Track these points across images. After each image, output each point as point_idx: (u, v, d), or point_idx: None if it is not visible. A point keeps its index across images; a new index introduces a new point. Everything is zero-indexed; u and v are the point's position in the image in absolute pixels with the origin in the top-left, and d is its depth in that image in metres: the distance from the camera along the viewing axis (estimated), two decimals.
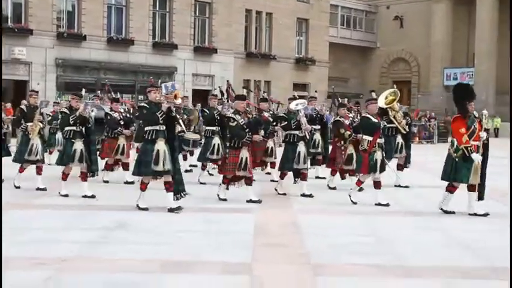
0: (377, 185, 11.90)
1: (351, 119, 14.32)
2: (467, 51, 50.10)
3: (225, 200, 12.00)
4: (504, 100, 44.31)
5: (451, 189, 11.01)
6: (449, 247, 8.50)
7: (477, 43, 46.76)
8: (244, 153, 11.74)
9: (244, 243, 8.48)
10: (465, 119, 10.76)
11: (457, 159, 10.72)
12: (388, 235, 9.27)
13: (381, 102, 13.58)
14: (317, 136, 14.92)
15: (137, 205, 10.83)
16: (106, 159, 14.84)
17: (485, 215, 10.76)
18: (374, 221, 10.41)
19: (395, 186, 14.53)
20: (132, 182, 13.79)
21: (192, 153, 17.37)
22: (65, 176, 12.24)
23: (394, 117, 14.12)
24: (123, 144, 14.63)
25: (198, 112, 17.93)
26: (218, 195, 12.13)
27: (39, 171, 13.18)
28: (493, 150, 12.16)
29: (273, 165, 15.41)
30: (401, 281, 6.84)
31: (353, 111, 15.32)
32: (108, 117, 14.78)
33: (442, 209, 11.08)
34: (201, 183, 14.47)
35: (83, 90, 14.10)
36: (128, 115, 15.32)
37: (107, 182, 14.43)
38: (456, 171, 10.77)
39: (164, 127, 10.67)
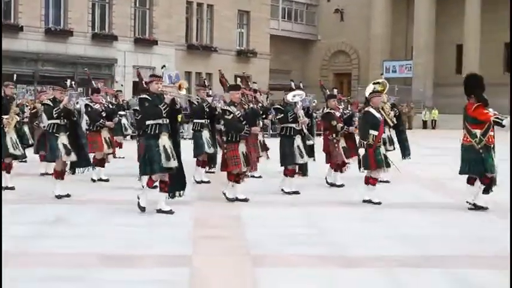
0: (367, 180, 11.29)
1: (341, 110, 13.68)
2: (405, 45, 50.96)
3: (233, 199, 11.15)
4: (441, 92, 45.25)
5: (483, 180, 10.50)
6: (389, 237, 8.61)
7: (415, 37, 47.56)
8: (242, 147, 11.00)
9: (184, 236, 8.44)
10: (486, 107, 10.43)
11: (481, 151, 10.36)
12: (330, 226, 9.33)
13: (368, 94, 13.32)
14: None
15: (138, 203, 9.99)
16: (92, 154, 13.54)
17: (486, 208, 10.51)
18: (316, 212, 10.47)
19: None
20: (107, 180, 13.48)
21: None
22: (56, 174, 11.29)
23: (382, 108, 13.13)
24: (108, 137, 13.92)
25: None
26: (225, 195, 11.24)
27: (9, 169, 12.26)
28: (431, 141, 12.42)
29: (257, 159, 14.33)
30: (341, 271, 6.91)
31: (343, 102, 14.73)
32: (89, 109, 13.75)
33: (475, 204, 10.56)
34: (197, 182, 13.35)
35: (68, 80, 12.85)
36: (110, 106, 14.57)
37: (94, 180, 13.48)
38: (483, 163, 10.37)
39: (167, 120, 9.86)
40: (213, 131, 13.66)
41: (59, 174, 11.27)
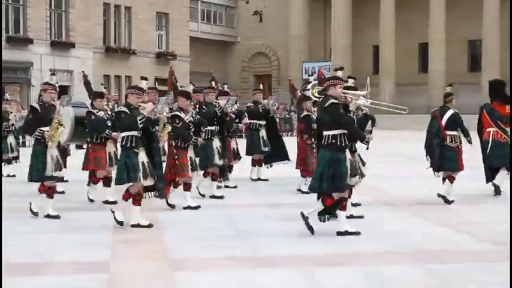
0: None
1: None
2: (324, 46, 51.64)
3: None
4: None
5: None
6: (307, 237, 8.71)
7: (333, 37, 48.23)
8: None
9: (102, 241, 8.34)
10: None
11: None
12: (248, 227, 9.38)
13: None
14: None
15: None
16: (94, 171, 11.70)
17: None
18: (235, 214, 10.51)
19: None
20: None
21: None
22: (127, 195, 9.34)
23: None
24: (114, 152, 11.69)
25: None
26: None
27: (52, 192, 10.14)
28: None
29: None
30: (257, 271, 6.96)
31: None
32: (93, 117, 11.22)
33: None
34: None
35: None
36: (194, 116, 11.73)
37: (92, 201, 11.65)
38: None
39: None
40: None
41: (136, 200, 9.38)
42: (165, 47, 44.32)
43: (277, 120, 25.84)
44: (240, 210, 10.98)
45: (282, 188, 13.46)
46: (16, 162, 15.23)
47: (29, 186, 10.79)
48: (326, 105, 8.46)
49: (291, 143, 15.67)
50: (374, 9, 46.00)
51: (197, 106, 12.44)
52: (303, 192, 12.21)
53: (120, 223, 9.21)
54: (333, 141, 8.44)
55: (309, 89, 13.63)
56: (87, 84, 15.46)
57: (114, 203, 10.73)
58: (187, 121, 10.76)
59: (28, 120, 10.18)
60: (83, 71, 16.35)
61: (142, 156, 9.20)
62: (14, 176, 14.94)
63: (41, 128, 9.67)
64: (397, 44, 45.66)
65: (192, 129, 10.87)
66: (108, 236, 8.68)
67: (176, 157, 10.78)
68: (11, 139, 14.82)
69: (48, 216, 9.90)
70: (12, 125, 13.05)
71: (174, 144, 10.96)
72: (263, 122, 14.27)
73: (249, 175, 14.74)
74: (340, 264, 7.30)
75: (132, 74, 41.21)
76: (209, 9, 52.80)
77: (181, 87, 13.60)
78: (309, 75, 21.37)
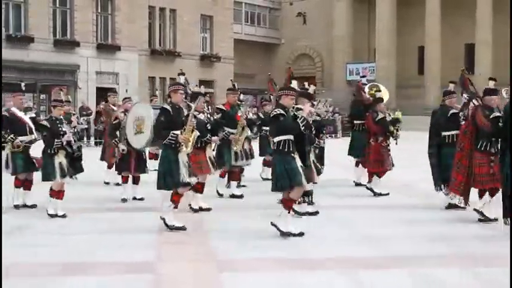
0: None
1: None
2: (368, 47, 51.31)
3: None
4: (404, 94, 45.59)
5: None
6: (352, 240, 8.66)
7: (377, 39, 47.90)
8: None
9: (147, 242, 8.40)
10: None
11: None
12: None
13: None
14: None
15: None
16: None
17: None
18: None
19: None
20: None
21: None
22: (288, 203, 8.83)
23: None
24: (213, 156, 11.52)
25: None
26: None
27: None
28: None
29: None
30: (303, 273, 6.93)
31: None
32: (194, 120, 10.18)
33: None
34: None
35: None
36: (210, 117, 11.52)
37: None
38: None
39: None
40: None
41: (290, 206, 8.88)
42: (209, 49, 44.51)
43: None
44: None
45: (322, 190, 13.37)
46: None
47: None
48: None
49: (332, 145, 15.53)
50: (419, 10, 45.57)
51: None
52: (380, 194, 12.39)
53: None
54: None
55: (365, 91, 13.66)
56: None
57: (207, 209, 10.78)
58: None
59: (161, 123, 9.19)
60: (269, 74, 16.03)
61: (298, 161, 8.76)
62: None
63: (174, 132, 9.06)
64: (442, 45, 45.16)
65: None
66: (153, 238, 8.74)
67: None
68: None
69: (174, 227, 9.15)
70: (75, 127, 12.79)
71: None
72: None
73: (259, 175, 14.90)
74: (385, 267, 7.23)
75: (177, 76, 41.53)
76: (253, 11, 52.90)
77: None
78: (361, 77, 21.04)
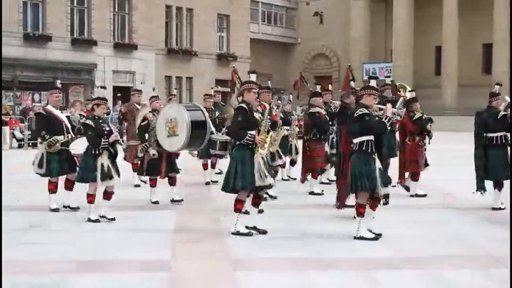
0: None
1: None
2: (385, 47, 51.14)
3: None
4: (421, 94, 45.21)
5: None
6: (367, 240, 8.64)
7: (394, 39, 47.74)
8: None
9: (163, 241, 8.43)
10: None
11: None
12: (308, 229, 9.35)
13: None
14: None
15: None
16: None
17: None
18: (295, 215, 10.47)
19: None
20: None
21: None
22: (361, 210, 8.67)
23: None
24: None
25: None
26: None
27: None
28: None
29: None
30: (317, 272, 6.93)
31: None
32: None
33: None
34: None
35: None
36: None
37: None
38: None
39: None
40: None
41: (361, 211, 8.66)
42: (225, 48, 44.56)
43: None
44: (296, 211, 10.95)
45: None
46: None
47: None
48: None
49: None
50: (436, 10, 45.32)
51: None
52: (417, 195, 12.24)
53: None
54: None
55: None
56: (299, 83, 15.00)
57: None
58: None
59: (238, 123, 8.73)
60: (300, 72, 16.03)
61: (378, 163, 8.54)
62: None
63: (251, 132, 8.66)
64: (460, 45, 44.90)
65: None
66: (169, 236, 8.77)
67: None
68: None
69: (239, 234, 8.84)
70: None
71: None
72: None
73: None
74: (398, 267, 7.22)
75: (194, 75, 41.71)
76: (270, 10, 52.89)
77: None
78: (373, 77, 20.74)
